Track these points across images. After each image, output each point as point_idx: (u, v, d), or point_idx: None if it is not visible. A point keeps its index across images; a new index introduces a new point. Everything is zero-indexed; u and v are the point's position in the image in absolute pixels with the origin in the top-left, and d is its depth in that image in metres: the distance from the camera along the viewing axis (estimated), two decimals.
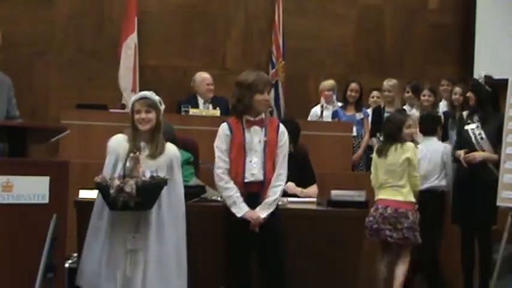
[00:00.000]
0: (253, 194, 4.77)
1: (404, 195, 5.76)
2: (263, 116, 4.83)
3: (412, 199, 5.79)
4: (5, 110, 4.40)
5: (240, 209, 4.74)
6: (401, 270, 5.81)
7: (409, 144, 5.85)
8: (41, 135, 4.41)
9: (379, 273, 5.90)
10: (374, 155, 6.06)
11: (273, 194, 4.76)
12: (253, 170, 4.76)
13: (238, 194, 4.76)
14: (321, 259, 5.05)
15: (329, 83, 8.31)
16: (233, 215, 4.75)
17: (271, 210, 4.73)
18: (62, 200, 4.01)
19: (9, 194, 3.82)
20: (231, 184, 4.78)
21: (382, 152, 5.87)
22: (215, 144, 4.86)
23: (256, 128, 4.80)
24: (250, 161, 4.76)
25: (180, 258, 4.49)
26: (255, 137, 4.79)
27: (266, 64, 9.76)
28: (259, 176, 4.76)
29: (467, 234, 6.34)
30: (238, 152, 4.78)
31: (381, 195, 5.86)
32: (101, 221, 4.42)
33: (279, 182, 4.79)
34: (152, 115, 4.48)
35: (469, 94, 6.36)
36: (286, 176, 4.86)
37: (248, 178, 4.75)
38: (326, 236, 5.09)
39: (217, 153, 4.84)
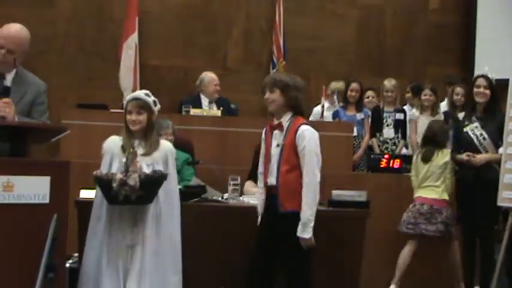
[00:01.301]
0: (273, 196, 4.69)
1: (439, 193, 6.29)
2: (282, 119, 4.71)
3: (446, 197, 6.30)
4: (23, 111, 4.39)
5: (259, 219, 4.83)
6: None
7: (447, 149, 6.40)
8: (42, 135, 4.41)
9: (403, 259, 6.27)
10: (418, 160, 6.43)
11: (304, 212, 4.55)
12: (269, 174, 4.72)
13: (261, 204, 4.82)
14: (322, 259, 5.04)
15: (342, 84, 8.33)
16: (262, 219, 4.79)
17: (312, 225, 4.56)
18: (63, 200, 4.01)
19: (10, 194, 3.82)
20: (259, 190, 4.87)
21: (427, 158, 6.33)
22: None
23: (277, 132, 4.73)
24: (270, 166, 4.72)
25: (175, 250, 4.54)
26: (275, 141, 4.72)
27: (267, 64, 9.77)
28: (273, 181, 4.68)
29: (469, 234, 6.33)
30: (266, 156, 4.79)
31: (419, 193, 6.37)
32: (99, 221, 4.48)
33: (305, 194, 4.57)
34: (143, 117, 4.53)
35: (486, 91, 6.26)
36: (314, 181, 4.61)
37: (268, 182, 4.73)
38: (327, 236, 5.09)
39: (260, 157, 4.91)
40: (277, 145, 4.68)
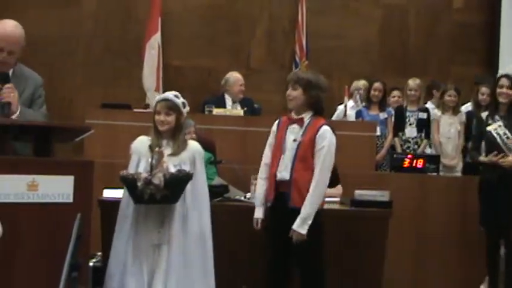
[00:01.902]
0: (282, 194, 4.66)
1: None
2: (304, 115, 4.69)
3: None
4: (27, 105, 4.40)
5: (256, 212, 4.78)
6: None
7: None
8: (66, 134, 4.43)
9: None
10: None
11: (305, 207, 4.54)
12: (281, 168, 4.67)
13: (260, 196, 4.78)
14: (343, 259, 5.04)
15: (363, 83, 8.35)
16: (269, 216, 4.75)
17: (309, 222, 4.53)
18: (86, 199, 4.02)
19: (34, 193, 3.85)
20: (261, 181, 4.80)
21: None
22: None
23: (295, 126, 4.69)
24: (283, 159, 4.68)
25: (205, 251, 4.53)
26: (291, 136, 4.68)
27: (290, 64, 9.78)
28: (285, 176, 4.64)
29: (493, 235, 6.29)
30: (277, 148, 4.73)
31: None
32: (126, 220, 4.49)
33: (313, 191, 4.56)
34: (171, 118, 4.54)
35: (509, 91, 6.20)
36: (325, 182, 4.62)
37: (277, 176, 4.68)
38: (349, 235, 5.09)
39: (266, 147, 4.86)
40: (294, 140, 4.66)
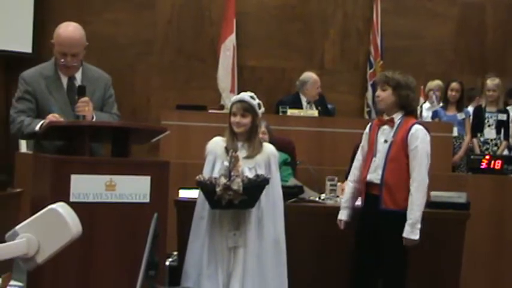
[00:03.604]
0: (373, 196, 4.63)
1: None
2: (394, 115, 4.63)
3: None
4: (95, 107, 4.46)
5: (339, 214, 4.78)
6: None
7: None
8: (143, 135, 4.49)
9: None
10: None
11: (411, 212, 4.47)
12: (371, 170, 4.64)
13: (346, 198, 4.80)
14: (421, 260, 4.97)
15: (438, 83, 8.27)
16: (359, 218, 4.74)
17: (419, 227, 4.47)
18: (163, 199, 4.07)
19: (112, 193, 3.91)
20: (349, 184, 4.82)
21: None
22: None
23: (386, 127, 4.64)
24: (374, 161, 4.64)
25: (279, 254, 4.52)
26: (382, 137, 4.64)
27: (364, 64, 9.70)
28: (375, 178, 4.60)
29: None
30: (369, 150, 4.71)
31: None
32: (202, 221, 4.51)
33: (415, 194, 4.48)
34: (247, 120, 4.52)
35: None
36: (424, 182, 4.52)
37: (367, 178, 4.66)
38: (426, 237, 5.02)
39: (358, 150, 4.87)
40: (385, 141, 4.61)
